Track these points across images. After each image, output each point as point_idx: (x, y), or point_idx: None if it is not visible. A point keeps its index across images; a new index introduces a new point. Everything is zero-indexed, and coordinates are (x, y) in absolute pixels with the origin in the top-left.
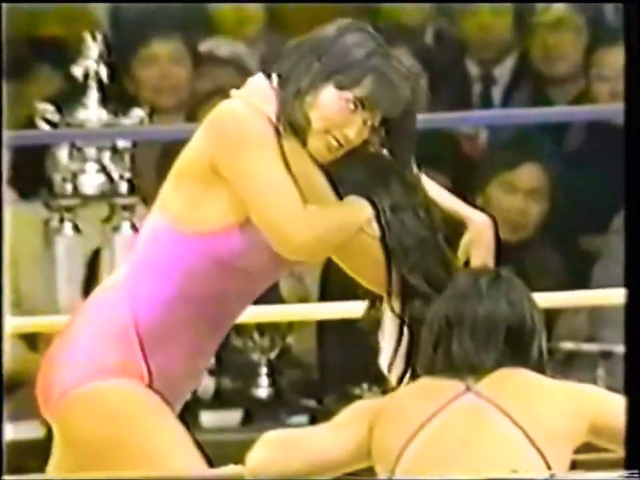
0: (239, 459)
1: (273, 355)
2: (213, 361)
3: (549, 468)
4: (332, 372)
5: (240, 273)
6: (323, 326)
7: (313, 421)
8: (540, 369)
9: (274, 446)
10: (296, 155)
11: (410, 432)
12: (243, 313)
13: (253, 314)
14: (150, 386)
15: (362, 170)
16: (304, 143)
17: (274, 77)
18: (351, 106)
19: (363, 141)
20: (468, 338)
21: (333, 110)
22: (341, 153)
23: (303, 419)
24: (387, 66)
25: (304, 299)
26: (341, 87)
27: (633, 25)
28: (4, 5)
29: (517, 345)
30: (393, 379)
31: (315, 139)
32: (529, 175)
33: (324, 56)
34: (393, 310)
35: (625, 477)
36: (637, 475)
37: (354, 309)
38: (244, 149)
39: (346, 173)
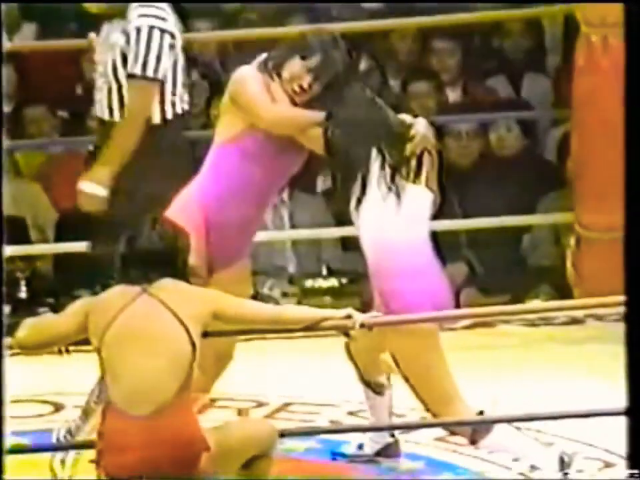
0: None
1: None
2: None
3: (191, 338)
4: None
5: (260, 160)
6: None
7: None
8: (185, 279)
9: (30, 327)
10: (276, 92)
11: (110, 317)
12: (275, 196)
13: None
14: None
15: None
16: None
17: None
18: (305, 70)
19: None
20: (141, 264)
21: (295, 69)
22: (305, 97)
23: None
24: (328, 50)
25: None
26: (302, 58)
27: (633, 25)
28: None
29: (171, 267)
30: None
31: (287, 86)
32: None
33: (296, 46)
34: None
35: (626, 477)
36: (637, 476)
37: None
38: (244, 83)
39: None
